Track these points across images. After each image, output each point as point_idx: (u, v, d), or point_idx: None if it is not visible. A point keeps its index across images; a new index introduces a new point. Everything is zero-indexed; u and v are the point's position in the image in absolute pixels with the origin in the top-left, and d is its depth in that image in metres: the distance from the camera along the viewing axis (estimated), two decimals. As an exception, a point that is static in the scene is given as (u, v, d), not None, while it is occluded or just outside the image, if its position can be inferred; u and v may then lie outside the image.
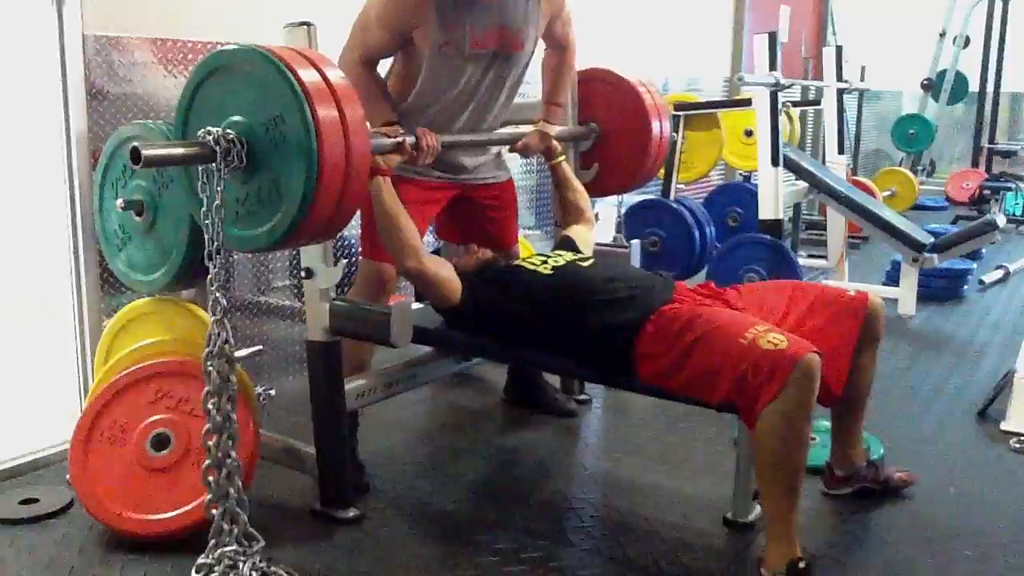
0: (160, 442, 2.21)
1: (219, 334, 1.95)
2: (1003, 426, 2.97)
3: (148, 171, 2.34)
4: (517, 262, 2.48)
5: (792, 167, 4.54)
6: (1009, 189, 7.63)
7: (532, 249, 3.65)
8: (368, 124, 2.34)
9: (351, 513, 2.32)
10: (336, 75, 1.90)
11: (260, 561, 1.95)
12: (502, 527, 2.30)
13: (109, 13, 2.66)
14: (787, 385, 1.84)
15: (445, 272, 2.36)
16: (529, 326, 2.29)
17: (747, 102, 4.50)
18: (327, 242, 2.19)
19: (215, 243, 1.91)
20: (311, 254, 2.21)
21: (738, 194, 5.10)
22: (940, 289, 4.85)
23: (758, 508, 2.31)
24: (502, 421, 3.09)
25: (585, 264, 2.40)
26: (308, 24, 2.10)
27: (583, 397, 3.20)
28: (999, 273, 5.35)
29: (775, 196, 4.10)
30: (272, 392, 2.85)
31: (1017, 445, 2.83)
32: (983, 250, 5.60)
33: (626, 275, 2.33)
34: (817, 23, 7.76)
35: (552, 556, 2.16)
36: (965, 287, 5.00)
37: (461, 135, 2.55)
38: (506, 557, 2.14)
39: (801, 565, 1.93)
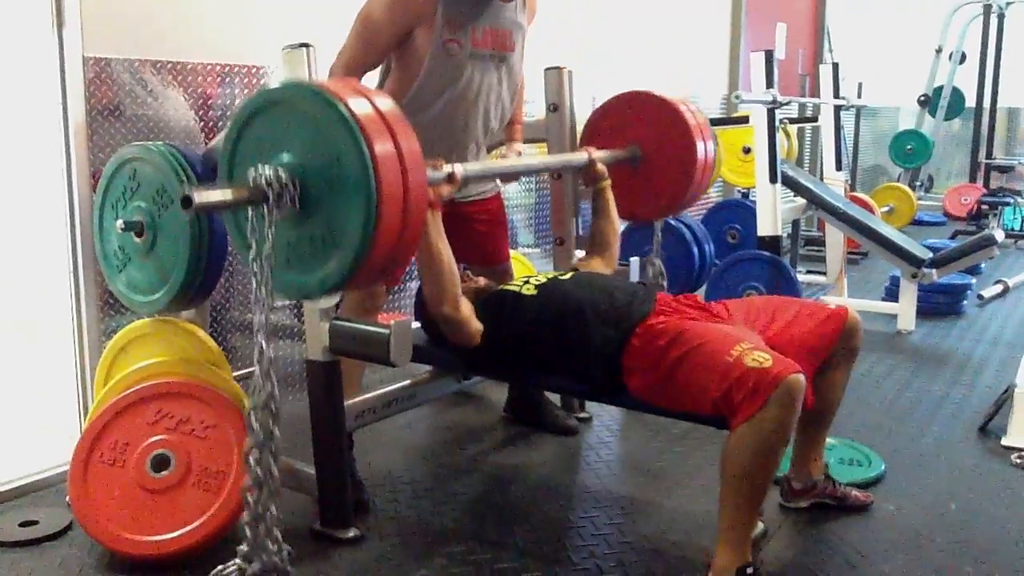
0: (160, 463, 2.20)
1: (264, 386, 1.84)
2: (1004, 441, 2.97)
3: (148, 192, 2.35)
4: (501, 287, 2.45)
5: (790, 184, 4.56)
6: (1007, 204, 7.64)
7: (531, 267, 3.65)
8: None
9: (351, 533, 2.31)
10: (387, 105, 1.80)
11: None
12: (503, 546, 2.29)
13: (109, 35, 2.68)
14: (768, 403, 1.85)
15: (470, 316, 2.31)
16: (521, 347, 2.29)
17: (745, 119, 4.52)
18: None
19: (264, 289, 1.79)
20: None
21: (737, 211, 5.11)
22: (939, 304, 4.85)
23: (760, 525, 2.31)
24: (502, 439, 3.08)
25: (565, 278, 2.40)
26: (307, 46, 2.11)
27: (584, 415, 3.20)
28: (998, 288, 5.35)
29: (774, 213, 4.12)
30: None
31: (1018, 460, 2.83)
32: (982, 265, 5.60)
33: (607, 286, 2.33)
34: (813, 40, 7.79)
35: (553, 575, 2.15)
36: (964, 302, 5.00)
37: (493, 164, 2.49)
38: (507, 577, 2.14)
39: (749, 571, 1.94)
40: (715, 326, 2.14)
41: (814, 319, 2.27)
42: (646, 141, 2.87)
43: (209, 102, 2.99)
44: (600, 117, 2.96)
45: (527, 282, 2.39)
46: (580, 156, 2.71)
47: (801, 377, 1.89)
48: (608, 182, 2.76)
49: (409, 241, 1.83)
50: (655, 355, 2.06)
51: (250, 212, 1.76)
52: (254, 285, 1.80)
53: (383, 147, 1.71)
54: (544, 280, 2.39)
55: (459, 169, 2.22)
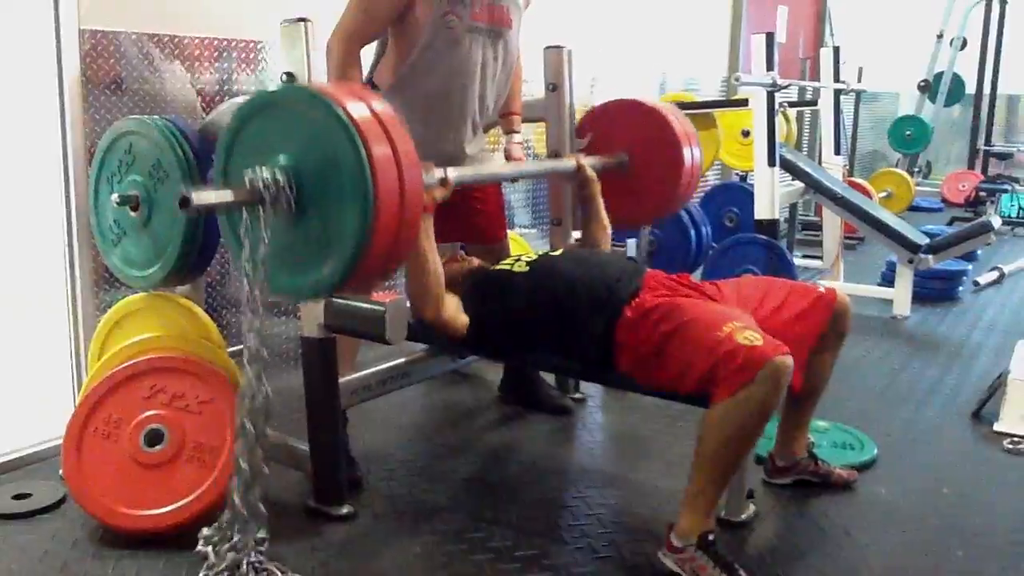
0: (154, 438, 2.21)
1: (259, 390, 1.86)
2: (996, 427, 2.98)
3: (144, 166, 2.34)
4: (493, 268, 2.45)
5: (789, 167, 4.55)
6: (1005, 191, 7.64)
7: (528, 247, 3.64)
8: None
9: (345, 510, 2.31)
10: (383, 109, 1.78)
11: (254, 557, 1.95)
12: (496, 524, 2.30)
13: (106, 8, 2.66)
14: (754, 382, 1.86)
15: (455, 314, 2.31)
16: (514, 326, 2.29)
17: (744, 102, 4.50)
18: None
19: (255, 291, 1.79)
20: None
21: (735, 194, 5.11)
22: (935, 290, 4.86)
23: (752, 507, 2.32)
24: (497, 418, 3.08)
25: (556, 254, 2.41)
26: (305, 20, 2.10)
27: (578, 395, 3.20)
28: (994, 274, 5.36)
29: (771, 196, 4.11)
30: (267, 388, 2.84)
31: (1010, 446, 2.84)
32: (978, 251, 5.60)
33: (599, 261, 2.34)
34: (815, 24, 7.76)
35: (546, 554, 2.15)
36: (960, 288, 5.00)
37: (484, 170, 2.49)
38: (500, 555, 2.14)
39: (711, 538, 1.97)
40: (708, 304, 2.15)
41: (804, 302, 2.27)
42: (634, 148, 2.91)
43: (206, 76, 2.97)
44: (590, 124, 2.97)
45: (518, 260, 2.40)
46: (569, 163, 2.73)
47: (789, 359, 1.90)
48: (597, 187, 2.77)
49: (404, 244, 1.82)
50: (647, 329, 2.06)
51: (244, 213, 1.75)
52: (245, 286, 1.80)
53: (380, 150, 1.70)
54: (535, 257, 2.39)
55: (451, 174, 2.22)
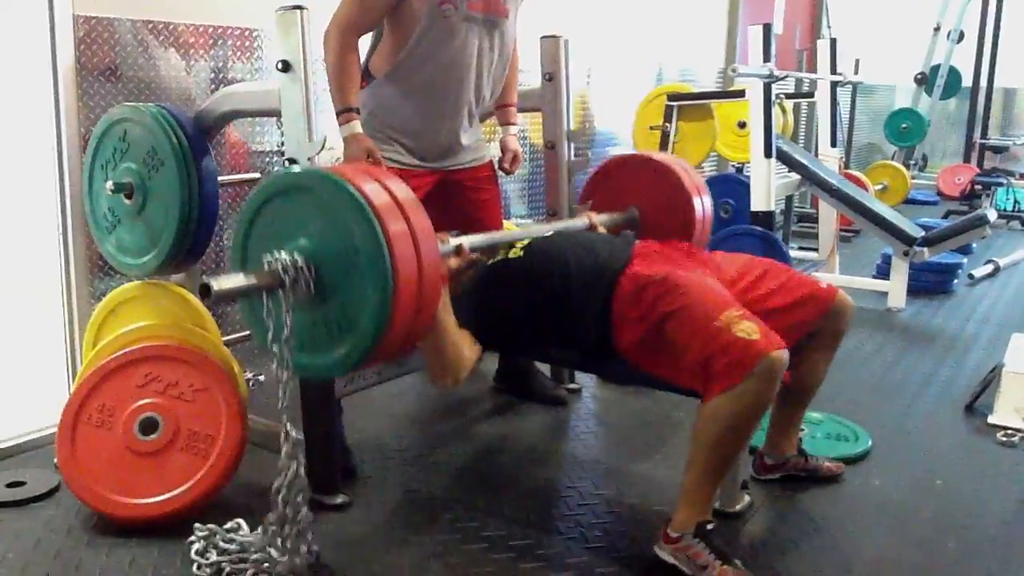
0: (148, 426, 2.20)
1: (290, 467, 1.87)
2: (990, 419, 2.98)
3: (138, 153, 2.33)
4: (492, 260, 2.41)
5: (785, 159, 4.55)
6: (1000, 184, 7.65)
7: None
8: (339, 94, 2.34)
9: (339, 499, 2.32)
10: (399, 188, 1.79)
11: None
12: (490, 514, 2.30)
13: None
14: (749, 377, 1.85)
15: (468, 365, 2.24)
16: (512, 313, 2.26)
17: (741, 93, 4.50)
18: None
19: (285, 372, 1.81)
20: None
21: (731, 185, 5.10)
22: (930, 283, 4.87)
23: (747, 498, 2.33)
24: (492, 409, 3.08)
25: (549, 235, 2.39)
26: (301, 8, 2.09)
27: (573, 386, 3.21)
28: (989, 268, 5.37)
29: (767, 188, 4.11)
30: (261, 377, 2.85)
31: (1003, 438, 2.85)
32: (973, 245, 5.62)
33: (589, 238, 2.34)
34: (812, 15, 7.76)
35: (540, 544, 2.16)
36: (955, 281, 5.01)
37: (497, 236, 2.48)
38: (494, 544, 2.15)
39: (709, 527, 1.97)
40: (704, 282, 2.10)
41: (801, 291, 2.25)
42: (645, 203, 2.84)
43: (201, 64, 2.96)
44: (601, 178, 2.93)
45: (513, 247, 2.38)
46: (581, 221, 2.70)
47: (785, 354, 1.88)
48: None
49: (424, 320, 1.81)
50: (647, 304, 2.03)
51: (265, 297, 1.75)
52: (274, 367, 1.81)
53: (397, 229, 1.69)
54: (528, 241, 2.37)
55: (465, 242, 2.17)
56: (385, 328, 1.69)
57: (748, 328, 1.90)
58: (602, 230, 2.67)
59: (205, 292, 1.63)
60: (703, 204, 2.80)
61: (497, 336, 2.35)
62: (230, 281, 1.72)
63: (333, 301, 1.75)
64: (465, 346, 2.18)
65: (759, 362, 1.85)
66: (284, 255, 1.72)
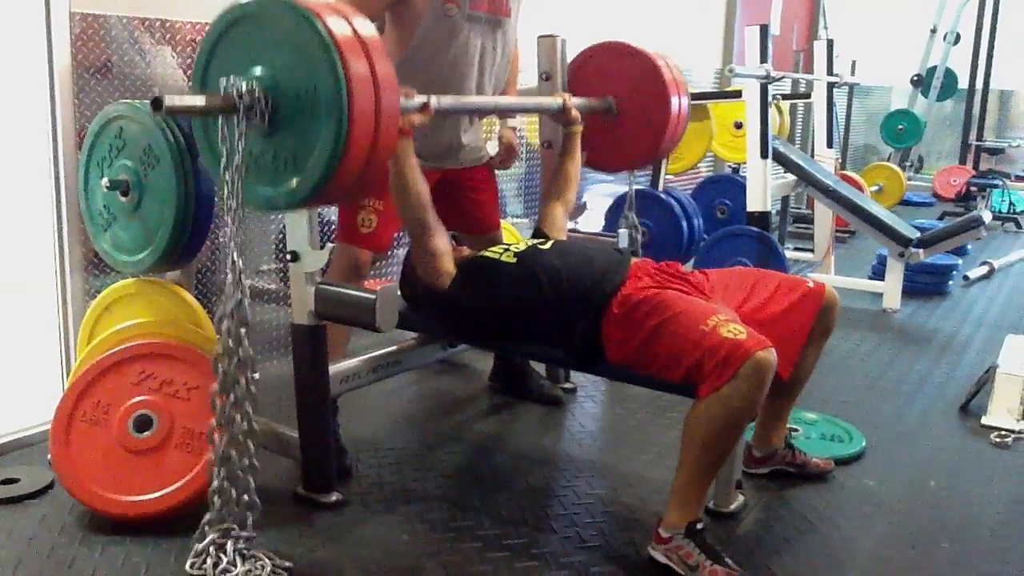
0: (142, 424, 2.20)
1: (234, 294, 1.92)
2: (984, 420, 2.99)
3: (134, 151, 2.33)
4: (481, 253, 2.43)
5: (781, 160, 4.56)
6: (996, 186, 7.67)
7: (520, 237, 3.64)
8: None
9: (333, 498, 2.31)
10: (366, 28, 1.79)
11: (241, 543, 1.95)
12: (485, 513, 2.30)
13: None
14: (737, 376, 1.87)
15: (445, 254, 2.34)
16: (502, 317, 2.28)
17: (737, 94, 4.50)
18: (313, 226, 2.18)
19: (234, 200, 1.82)
20: (297, 237, 2.20)
21: (727, 186, 5.11)
22: (925, 284, 4.88)
23: (741, 498, 2.33)
24: (487, 408, 3.08)
25: (545, 247, 2.38)
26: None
27: (569, 385, 3.21)
28: (984, 269, 5.38)
29: (763, 188, 4.11)
30: (256, 376, 2.83)
31: (997, 439, 2.85)
32: (968, 246, 5.64)
33: (585, 254, 2.32)
34: (809, 17, 7.76)
35: (535, 543, 2.16)
36: (950, 283, 5.02)
37: (467, 100, 2.49)
38: (489, 543, 2.15)
39: (699, 526, 1.98)
40: (692, 297, 2.14)
41: (793, 295, 2.27)
42: (623, 93, 2.88)
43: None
44: (581, 65, 2.95)
45: (507, 250, 2.37)
46: (555, 101, 2.71)
47: (772, 354, 1.90)
48: (579, 127, 2.75)
49: (379, 160, 1.84)
50: (635, 323, 2.07)
51: (220, 122, 1.78)
52: (225, 194, 1.83)
53: (358, 65, 1.71)
54: (524, 248, 2.36)
55: (433, 101, 2.21)
56: (337, 166, 1.73)
57: (734, 328, 1.93)
58: (575, 112, 2.68)
59: (157, 105, 1.67)
60: (680, 103, 2.83)
61: (488, 333, 2.35)
62: (184, 100, 1.76)
63: (287, 134, 1.79)
64: (439, 235, 2.31)
65: (746, 362, 1.86)
66: (241, 81, 1.75)
